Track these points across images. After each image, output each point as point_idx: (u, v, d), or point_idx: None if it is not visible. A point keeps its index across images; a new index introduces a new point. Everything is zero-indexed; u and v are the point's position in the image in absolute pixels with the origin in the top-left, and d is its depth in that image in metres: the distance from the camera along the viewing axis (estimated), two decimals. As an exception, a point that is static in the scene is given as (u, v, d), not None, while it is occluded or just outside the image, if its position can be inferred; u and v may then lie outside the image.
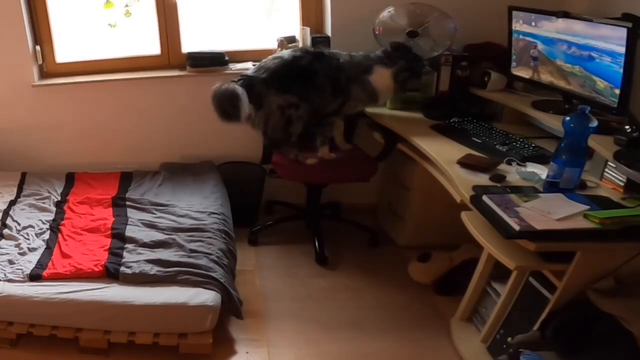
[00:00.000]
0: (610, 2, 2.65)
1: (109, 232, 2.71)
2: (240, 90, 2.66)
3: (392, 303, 2.72)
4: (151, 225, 2.76)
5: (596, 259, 1.89)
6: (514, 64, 2.85)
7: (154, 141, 3.44)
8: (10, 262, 2.49)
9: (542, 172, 2.17)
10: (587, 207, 1.88)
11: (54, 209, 2.94)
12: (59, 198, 3.05)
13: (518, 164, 2.29)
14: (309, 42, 3.17)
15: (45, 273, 2.40)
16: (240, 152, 3.43)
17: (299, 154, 2.93)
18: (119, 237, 2.66)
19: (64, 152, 3.42)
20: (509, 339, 2.14)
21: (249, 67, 3.11)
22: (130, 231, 2.70)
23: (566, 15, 2.48)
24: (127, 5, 3.38)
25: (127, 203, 2.98)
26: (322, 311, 2.67)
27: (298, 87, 2.77)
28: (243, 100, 2.65)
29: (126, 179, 3.25)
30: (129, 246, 2.59)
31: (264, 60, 2.88)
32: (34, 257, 2.52)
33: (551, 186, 2.07)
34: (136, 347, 2.33)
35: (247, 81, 2.77)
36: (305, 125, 2.87)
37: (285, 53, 2.89)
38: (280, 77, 2.77)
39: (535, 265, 1.97)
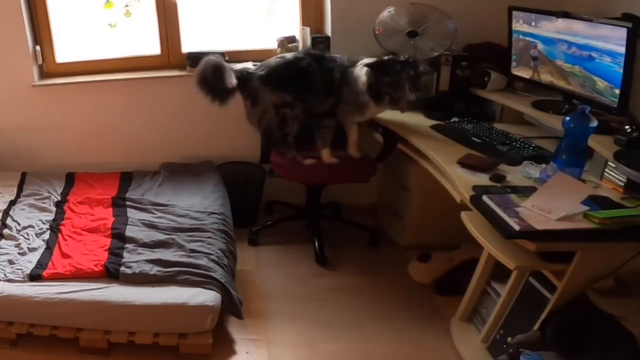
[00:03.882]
0: (610, 2, 2.65)
1: (109, 232, 2.71)
2: (225, 64, 2.74)
3: (392, 303, 2.72)
4: (151, 225, 2.76)
5: (596, 259, 1.89)
6: (514, 64, 2.85)
7: (154, 141, 3.44)
8: (10, 262, 2.48)
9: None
10: (587, 207, 1.88)
11: (54, 209, 2.94)
12: (59, 198, 3.05)
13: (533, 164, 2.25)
14: (309, 42, 3.16)
15: (45, 273, 2.40)
16: (240, 152, 3.43)
17: (297, 154, 2.93)
18: (119, 237, 2.66)
19: (64, 152, 3.42)
20: (509, 339, 2.14)
21: (249, 67, 3.11)
22: (130, 231, 2.70)
23: (566, 15, 2.48)
24: (127, 5, 3.38)
25: (127, 203, 2.97)
26: (322, 311, 2.67)
27: (294, 87, 2.79)
28: (227, 70, 2.71)
29: (126, 179, 3.25)
30: (129, 246, 2.59)
31: (268, 59, 2.90)
32: (34, 257, 2.52)
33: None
34: (136, 347, 2.33)
35: (246, 76, 2.82)
36: (303, 126, 2.87)
37: (289, 54, 2.92)
38: (278, 75, 2.80)
39: (535, 265, 1.97)
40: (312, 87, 2.80)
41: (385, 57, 2.73)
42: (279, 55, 2.92)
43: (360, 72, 2.73)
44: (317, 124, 2.87)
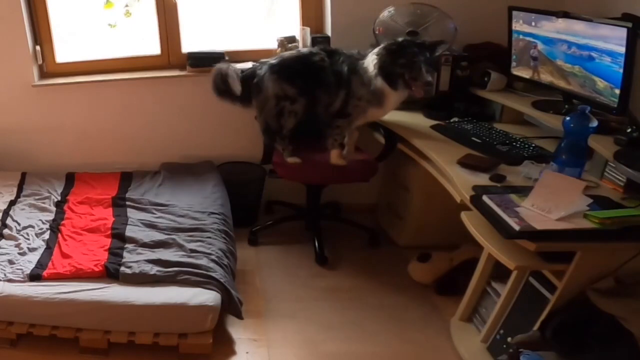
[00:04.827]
0: (610, 2, 2.65)
1: (109, 232, 2.71)
2: (232, 70, 2.85)
3: (392, 303, 2.72)
4: (151, 225, 2.76)
5: (596, 259, 1.89)
6: (514, 64, 2.85)
7: (154, 141, 3.44)
8: (10, 262, 2.49)
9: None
10: (587, 207, 1.88)
11: (54, 209, 2.94)
12: (59, 198, 3.05)
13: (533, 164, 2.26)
14: (309, 42, 3.17)
15: (45, 273, 2.40)
16: (240, 152, 3.43)
17: (286, 148, 2.93)
18: (119, 237, 2.66)
19: (64, 152, 3.43)
20: (509, 339, 2.13)
21: (249, 67, 3.11)
22: (130, 231, 2.70)
23: (566, 15, 2.48)
24: (127, 5, 3.38)
25: (127, 203, 2.98)
26: (322, 311, 2.67)
27: (301, 81, 2.79)
28: (231, 77, 2.82)
29: (126, 179, 3.25)
30: (129, 246, 2.59)
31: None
32: (34, 257, 2.52)
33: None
34: (136, 347, 2.33)
35: (259, 66, 2.89)
36: (309, 125, 2.88)
37: (305, 48, 2.96)
38: (288, 67, 2.82)
39: (535, 265, 1.97)
40: (322, 82, 2.79)
41: (400, 39, 2.67)
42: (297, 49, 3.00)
43: (371, 58, 2.69)
44: (329, 123, 2.86)
